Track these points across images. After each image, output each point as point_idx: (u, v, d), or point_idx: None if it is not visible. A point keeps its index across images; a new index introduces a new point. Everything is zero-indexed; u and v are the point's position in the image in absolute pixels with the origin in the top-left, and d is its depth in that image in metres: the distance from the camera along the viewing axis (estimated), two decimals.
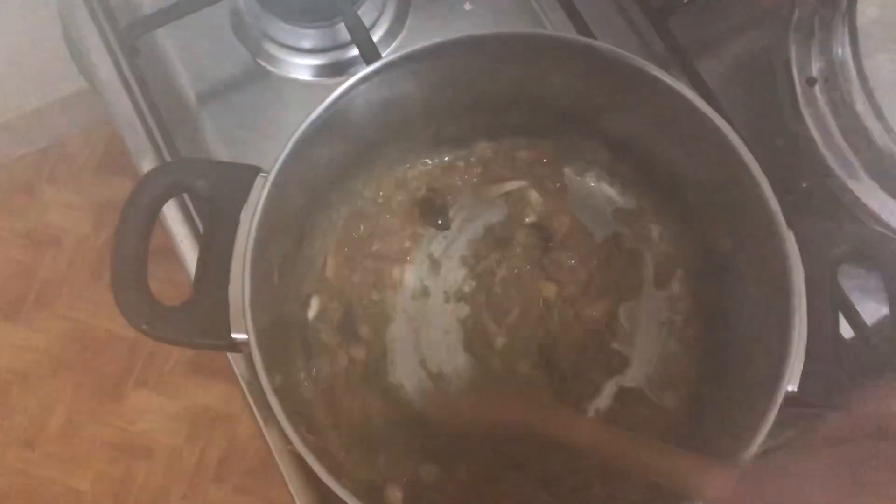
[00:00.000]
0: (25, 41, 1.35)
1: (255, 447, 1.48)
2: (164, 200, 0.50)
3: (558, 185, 0.63)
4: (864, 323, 0.61)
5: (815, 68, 0.62)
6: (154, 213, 0.49)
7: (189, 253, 0.62)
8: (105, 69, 0.67)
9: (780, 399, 0.46)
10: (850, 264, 0.53)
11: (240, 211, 0.49)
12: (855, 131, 0.60)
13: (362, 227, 0.63)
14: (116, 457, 1.50)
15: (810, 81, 0.62)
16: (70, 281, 1.58)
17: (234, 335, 0.47)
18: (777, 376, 0.46)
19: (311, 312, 0.60)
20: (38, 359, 1.54)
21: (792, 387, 0.47)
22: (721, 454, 0.46)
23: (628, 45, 0.72)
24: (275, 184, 0.49)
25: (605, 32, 0.70)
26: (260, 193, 0.48)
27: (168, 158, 0.65)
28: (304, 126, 0.50)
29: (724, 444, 0.48)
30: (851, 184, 0.60)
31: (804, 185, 0.63)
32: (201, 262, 0.49)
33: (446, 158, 0.65)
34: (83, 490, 1.48)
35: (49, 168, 1.64)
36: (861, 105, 0.59)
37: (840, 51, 0.61)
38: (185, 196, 0.63)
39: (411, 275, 0.63)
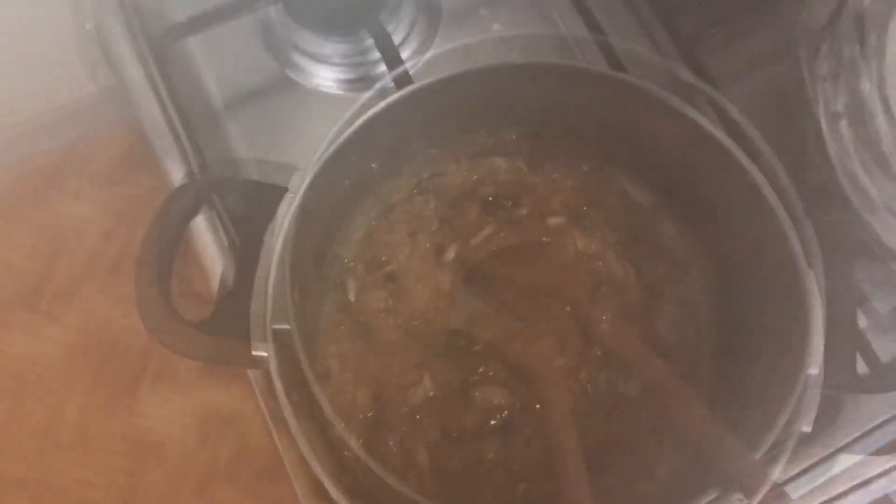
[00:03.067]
0: (54, 41, 1.36)
1: (267, 449, 1.49)
2: (192, 216, 0.50)
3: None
4: (879, 360, 0.61)
5: (841, 103, 0.62)
6: (181, 229, 0.50)
7: (212, 260, 0.63)
8: (136, 74, 0.68)
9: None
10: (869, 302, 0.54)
11: (265, 229, 0.50)
12: (878, 168, 0.60)
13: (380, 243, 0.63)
14: (128, 452, 1.51)
15: (836, 116, 0.62)
16: (90, 275, 1.60)
17: (254, 353, 0.48)
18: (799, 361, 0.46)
19: None
20: (56, 350, 1.56)
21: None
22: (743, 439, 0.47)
23: (655, 72, 0.72)
24: (301, 204, 0.50)
25: (632, 58, 0.70)
26: (286, 214, 0.49)
27: (194, 165, 0.66)
28: (331, 148, 0.51)
29: (744, 431, 0.48)
30: (872, 219, 0.60)
31: (824, 219, 0.63)
32: (224, 279, 0.49)
33: (467, 177, 0.66)
34: (94, 483, 1.49)
35: (74, 164, 1.66)
36: (886, 142, 0.59)
37: (867, 87, 0.61)
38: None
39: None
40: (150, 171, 1.64)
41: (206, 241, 0.62)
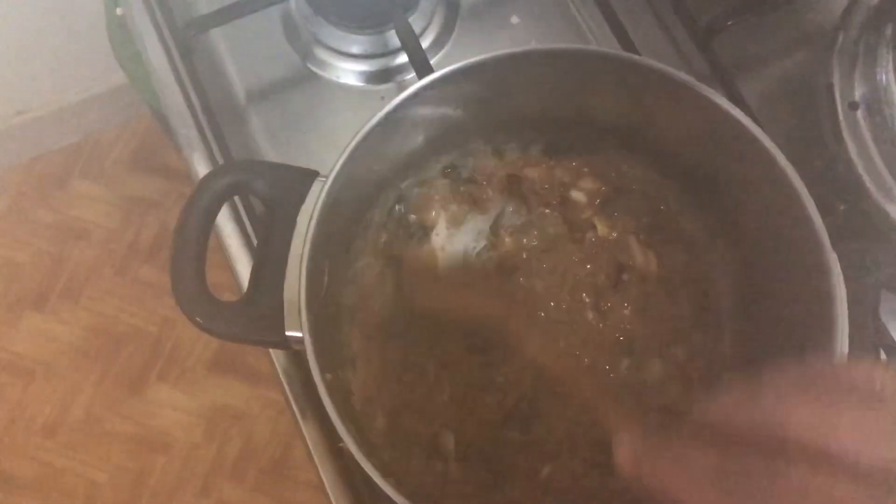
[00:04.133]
0: (66, 37, 1.37)
1: (272, 447, 1.49)
2: (225, 199, 0.51)
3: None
4: None
5: (858, 93, 0.63)
6: (214, 211, 0.50)
7: (236, 248, 0.64)
8: (161, 65, 0.69)
9: None
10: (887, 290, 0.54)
11: (296, 213, 0.50)
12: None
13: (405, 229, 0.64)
14: (134, 450, 1.52)
15: (853, 106, 0.63)
16: (97, 274, 1.60)
17: (287, 333, 0.48)
18: None
19: None
20: (62, 350, 1.56)
21: None
22: None
23: (672, 63, 0.72)
24: (332, 188, 0.50)
25: (649, 49, 0.72)
26: (318, 197, 0.50)
27: (218, 154, 0.67)
28: (361, 134, 0.51)
29: None
30: (890, 208, 0.61)
31: (842, 207, 0.64)
32: (258, 261, 0.50)
33: (488, 164, 0.66)
34: (100, 482, 1.50)
35: (82, 162, 1.67)
36: None
37: (884, 77, 0.62)
38: (236, 198, 0.64)
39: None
40: (156, 171, 1.65)
41: (229, 227, 0.63)
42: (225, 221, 0.64)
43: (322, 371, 0.47)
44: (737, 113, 0.53)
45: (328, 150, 0.66)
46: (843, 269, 0.51)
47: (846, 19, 0.66)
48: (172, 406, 1.55)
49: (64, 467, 1.51)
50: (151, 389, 1.56)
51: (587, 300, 0.63)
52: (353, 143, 0.51)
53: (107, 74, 1.44)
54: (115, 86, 1.52)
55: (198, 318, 0.48)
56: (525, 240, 0.63)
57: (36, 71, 1.45)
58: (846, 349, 0.49)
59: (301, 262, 0.48)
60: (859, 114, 0.63)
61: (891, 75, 0.61)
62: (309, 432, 0.60)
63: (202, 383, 1.55)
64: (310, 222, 0.49)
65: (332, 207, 0.51)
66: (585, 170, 0.64)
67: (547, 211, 0.64)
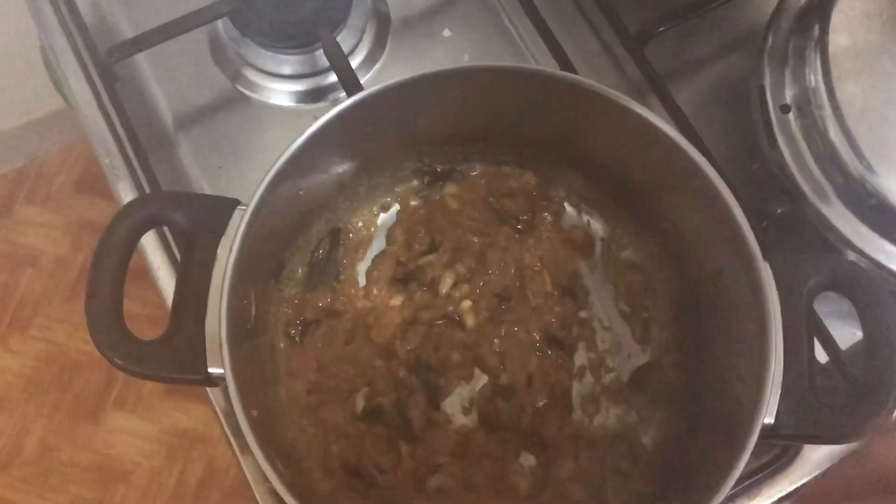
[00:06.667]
0: (2, 60, 1.34)
1: (234, 470, 1.47)
2: (141, 234, 0.49)
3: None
4: (839, 348, 0.61)
5: (789, 95, 0.63)
6: (130, 247, 0.48)
7: (166, 280, 0.62)
8: (83, 94, 0.67)
9: (756, 432, 0.46)
10: (825, 292, 0.54)
11: (217, 244, 0.49)
12: (828, 158, 0.61)
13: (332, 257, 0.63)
14: (94, 480, 1.49)
15: (784, 108, 0.63)
16: (47, 302, 1.57)
17: (210, 370, 0.47)
18: (754, 409, 0.47)
19: None
20: (14, 381, 1.53)
21: (768, 419, 0.47)
22: (699, 487, 0.46)
23: (606, 72, 0.72)
24: (253, 216, 0.49)
25: (583, 59, 0.71)
26: (238, 226, 0.48)
27: (145, 184, 0.64)
28: (281, 160, 0.50)
29: (701, 478, 0.48)
30: (825, 210, 0.61)
31: (779, 211, 0.63)
32: (178, 295, 0.48)
33: (423, 185, 0.65)
34: None
35: (26, 188, 1.63)
36: (833, 132, 0.60)
37: (813, 78, 0.62)
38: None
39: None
40: (104, 194, 1.62)
41: (158, 258, 0.62)
42: (153, 251, 0.62)
43: (246, 407, 0.45)
44: (658, 122, 0.53)
45: (261, 174, 0.65)
46: (781, 274, 0.51)
47: (775, 21, 0.66)
48: (131, 433, 1.52)
49: (21, 502, 1.47)
50: (108, 417, 1.52)
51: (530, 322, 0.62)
52: (273, 171, 0.50)
53: (47, 98, 1.41)
54: (57, 109, 1.48)
55: (116, 360, 0.46)
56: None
57: None
58: (781, 353, 0.49)
59: (221, 294, 0.47)
60: (791, 116, 0.63)
61: (819, 76, 0.61)
62: (248, 468, 0.58)
63: (160, 408, 1.52)
64: (230, 253, 0.48)
65: (255, 236, 0.50)
66: (520, 186, 0.63)
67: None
